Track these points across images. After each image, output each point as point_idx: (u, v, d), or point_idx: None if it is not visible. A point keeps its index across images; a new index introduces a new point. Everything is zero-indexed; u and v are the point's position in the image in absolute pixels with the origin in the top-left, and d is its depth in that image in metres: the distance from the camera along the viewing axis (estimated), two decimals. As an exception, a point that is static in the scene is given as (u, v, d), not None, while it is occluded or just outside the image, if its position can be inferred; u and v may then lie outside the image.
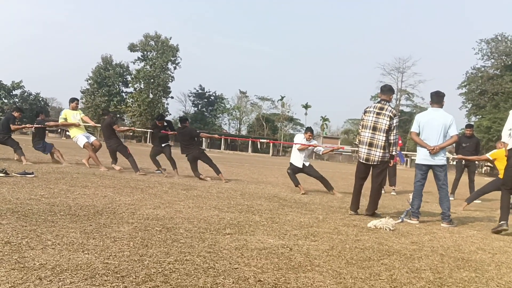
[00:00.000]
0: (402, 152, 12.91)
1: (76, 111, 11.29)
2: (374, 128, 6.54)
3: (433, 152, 6.42)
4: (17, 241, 3.47)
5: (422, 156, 6.61)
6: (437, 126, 6.48)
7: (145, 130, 12.07)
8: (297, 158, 9.48)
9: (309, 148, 9.63)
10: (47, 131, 11.58)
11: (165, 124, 11.64)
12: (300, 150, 9.42)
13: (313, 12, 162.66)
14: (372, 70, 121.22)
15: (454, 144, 9.28)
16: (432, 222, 6.58)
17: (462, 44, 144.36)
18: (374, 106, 6.67)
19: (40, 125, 11.31)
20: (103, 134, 11.27)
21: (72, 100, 11.39)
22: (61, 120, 11.21)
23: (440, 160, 6.51)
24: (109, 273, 2.88)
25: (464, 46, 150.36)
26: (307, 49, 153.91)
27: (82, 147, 11.04)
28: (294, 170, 9.37)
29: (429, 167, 6.59)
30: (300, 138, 9.61)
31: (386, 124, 6.47)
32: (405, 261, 3.97)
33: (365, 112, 6.72)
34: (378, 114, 6.55)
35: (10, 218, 4.30)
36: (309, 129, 9.73)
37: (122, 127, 13.14)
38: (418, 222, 6.38)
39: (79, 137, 11.01)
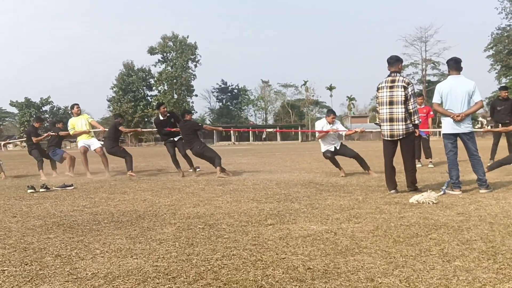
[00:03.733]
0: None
1: (81, 115, 11.08)
2: (391, 103, 6.40)
3: (458, 119, 6.23)
4: (67, 253, 3.55)
5: (448, 126, 6.43)
6: (460, 93, 6.28)
7: (150, 130, 11.91)
8: (326, 145, 9.25)
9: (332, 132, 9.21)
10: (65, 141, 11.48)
11: (168, 115, 10.82)
12: (322, 138, 9.19)
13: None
14: (394, 43, 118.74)
15: (487, 109, 8.91)
16: (475, 191, 6.41)
17: (484, 4, 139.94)
18: (386, 80, 6.51)
19: (54, 133, 11.16)
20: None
21: (72, 106, 11.22)
22: (72, 131, 11.02)
23: (466, 127, 6.33)
24: (160, 275, 2.91)
25: (487, 6, 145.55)
26: (325, 30, 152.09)
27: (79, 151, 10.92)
28: (328, 153, 9.19)
29: (457, 135, 6.43)
30: (320, 125, 9.28)
31: (401, 95, 6.31)
32: (454, 233, 3.88)
33: (378, 88, 6.59)
34: (391, 87, 6.41)
35: (56, 231, 4.41)
36: (331, 112, 9.40)
37: (127, 129, 12.75)
38: (461, 192, 6.23)
39: (79, 143, 10.90)
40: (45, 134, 11.56)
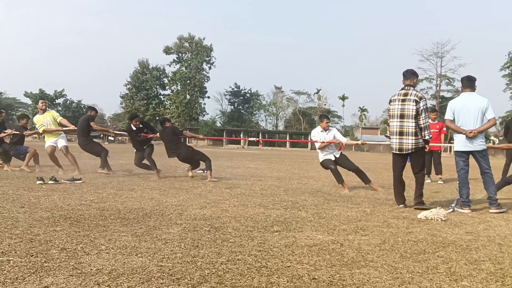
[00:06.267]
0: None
1: (47, 113, 10.37)
2: (402, 116, 6.33)
3: (471, 135, 6.18)
4: (72, 247, 3.55)
5: (460, 143, 6.37)
6: (473, 110, 6.22)
7: (122, 133, 11.52)
8: (324, 154, 8.58)
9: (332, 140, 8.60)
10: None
11: (141, 126, 10.57)
12: (320, 148, 8.57)
13: (346, 1, 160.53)
14: (409, 56, 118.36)
15: (500, 128, 8.74)
16: (485, 210, 6.33)
17: (502, 24, 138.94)
18: (398, 93, 6.44)
19: (17, 132, 10.57)
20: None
21: (37, 101, 10.81)
22: (41, 129, 10.34)
23: (479, 145, 6.27)
24: (164, 275, 2.90)
25: (505, 26, 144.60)
26: (341, 40, 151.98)
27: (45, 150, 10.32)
28: (331, 163, 8.44)
29: (469, 153, 6.36)
30: (316, 132, 8.69)
31: (412, 109, 6.23)
32: (462, 252, 3.83)
33: (390, 101, 6.52)
34: (403, 101, 6.33)
35: (63, 224, 4.42)
36: (324, 116, 8.86)
37: (99, 126, 11.45)
38: (470, 211, 6.16)
39: (47, 143, 10.37)
40: (8, 131, 10.62)
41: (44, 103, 10.51)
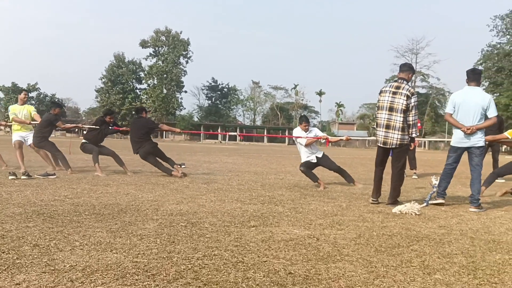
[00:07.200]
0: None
1: (26, 105, 10.00)
2: (391, 109, 6.13)
3: (469, 132, 6.03)
4: (45, 243, 3.48)
5: (457, 139, 6.22)
6: (474, 106, 6.06)
7: (93, 127, 11.06)
8: (307, 154, 8.36)
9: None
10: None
11: (112, 124, 10.13)
12: (307, 145, 8.28)
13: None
14: (385, 53, 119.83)
15: None
16: (458, 205, 6.46)
17: (476, 21, 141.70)
18: (390, 85, 6.27)
19: None
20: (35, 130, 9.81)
21: (20, 91, 10.33)
22: (12, 116, 9.85)
23: (478, 141, 6.11)
24: (139, 272, 2.87)
25: (479, 23, 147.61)
26: (318, 36, 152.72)
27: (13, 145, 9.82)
28: (309, 166, 8.29)
29: (465, 149, 6.22)
30: (299, 132, 8.43)
31: (403, 104, 6.06)
32: (435, 246, 3.90)
33: (380, 92, 6.33)
34: (394, 93, 6.15)
35: (36, 220, 4.33)
36: (303, 119, 8.49)
37: (67, 124, 11.15)
38: (443, 201, 6.20)
39: (14, 135, 9.86)
40: None
41: (26, 95, 10.23)
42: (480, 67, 65.20)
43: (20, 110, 9.88)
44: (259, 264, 3.14)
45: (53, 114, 9.57)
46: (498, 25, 63.14)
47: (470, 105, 6.10)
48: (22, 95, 10.12)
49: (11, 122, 10.15)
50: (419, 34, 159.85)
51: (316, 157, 8.38)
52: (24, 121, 9.72)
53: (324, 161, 8.49)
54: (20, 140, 9.76)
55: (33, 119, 9.93)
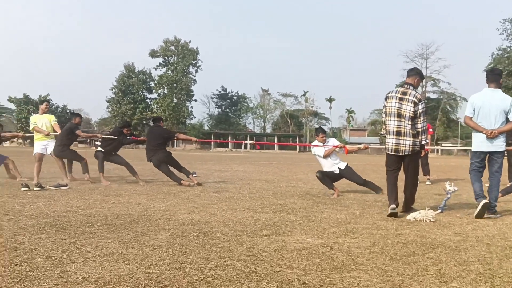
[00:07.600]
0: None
1: (46, 115, 10.12)
2: (399, 115, 5.88)
3: (491, 135, 5.82)
4: (58, 255, 3.48)
5: (479, 143, 5.99)
6: (495, 109, 5.84)
7: (111, 137, 11.11)
8: (328, 165, 8.15)
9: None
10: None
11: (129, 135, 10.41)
12: (326, 156, 8.07)
13: (332, 3, 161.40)
14: (395, 57, 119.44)
15: None
16: (473, 210, 6.34)
17: (486, 25, 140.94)
18: (396, 90, 6.07)
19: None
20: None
21: (41, 102, 10.52)
22: (32, 126, 9.98)
23: (500, 145, 5.92)
24: (152, 283, 2.85)
25: (489, 27, 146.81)
26: (327, 42, 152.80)
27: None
28: (330, 177, 8.07)
29: (487, 154, 6.02)
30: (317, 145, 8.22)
31: (410, 110, 5.85)
32: (451, 253, 3.83)
33: (386, 98, 6.08)
34: (400, 99, 5.93)
35: (49, 231, 4.34)
36: (320, 130, 8.32)
37: (85, 134, 11.55)
38: (485, 202, 5.80)
39: (36, 146, 9.90)
40: None
41: (47, 106, 10.46)
42: (491, 71, 64.67)
43: (40, 119, 10.01)
44: (272, 274, 3.10)
45: (74, 123, 9.79)
46: (508, 29, 62.73)
47: (490, 108, 5.90)
48: (43, 106, 10.36)
49: (32, 132, 10.29)
50: (428, 38, 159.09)
51: (339, 168, 8.17)
52: (44, 131, 9.81)
53: (348, 174, 8.23)
54: (41, 153, 9.72)
55: (53, 130, 10.05)
